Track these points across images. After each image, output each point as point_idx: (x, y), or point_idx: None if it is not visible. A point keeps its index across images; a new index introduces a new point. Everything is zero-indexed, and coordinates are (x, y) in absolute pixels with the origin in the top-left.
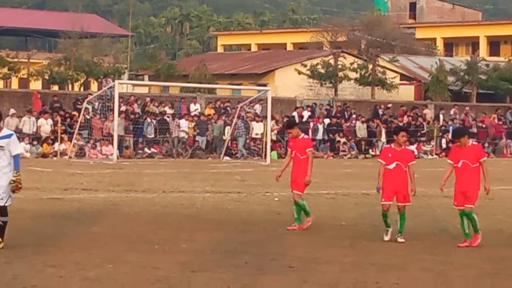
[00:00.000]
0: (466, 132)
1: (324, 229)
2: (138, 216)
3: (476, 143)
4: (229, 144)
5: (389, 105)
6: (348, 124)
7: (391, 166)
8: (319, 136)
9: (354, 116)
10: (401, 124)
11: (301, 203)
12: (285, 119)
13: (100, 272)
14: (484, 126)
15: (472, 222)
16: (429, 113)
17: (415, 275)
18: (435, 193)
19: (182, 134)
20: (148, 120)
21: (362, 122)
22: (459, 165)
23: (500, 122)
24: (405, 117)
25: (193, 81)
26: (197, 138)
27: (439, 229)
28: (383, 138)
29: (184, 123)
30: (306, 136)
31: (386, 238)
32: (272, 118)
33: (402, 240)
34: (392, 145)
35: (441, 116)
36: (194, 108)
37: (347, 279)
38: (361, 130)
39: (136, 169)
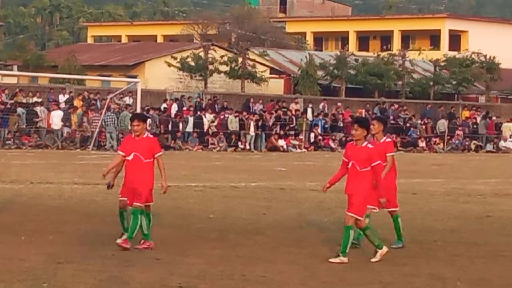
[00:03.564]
0: (146, 119)
1: (192, 222)
2: (4, 207)
3: (152, 135)
4: (98, 136)
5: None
6: (221, 117)
7: (130, 157)
8: (189, 128)
9: (227, 109)
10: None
11: None
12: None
13: None
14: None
15: (132, 224)
16: (294, 107)
17: (282, 268)
18: (303, 186)
19: (56, 127)
20: (17, 110)
21: (235, 116)
22: (131, 158)
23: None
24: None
25: (63, 72)
26: (65, 129)
27: (306, 222)
28: (252, 131)
29: (56, 114)
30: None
31: (119, 240)
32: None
33: (143, 246)
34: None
35: (309, 110)
36: (63, 99)
37: (214, 272)
38: (233, 123)
39: (3, 159)
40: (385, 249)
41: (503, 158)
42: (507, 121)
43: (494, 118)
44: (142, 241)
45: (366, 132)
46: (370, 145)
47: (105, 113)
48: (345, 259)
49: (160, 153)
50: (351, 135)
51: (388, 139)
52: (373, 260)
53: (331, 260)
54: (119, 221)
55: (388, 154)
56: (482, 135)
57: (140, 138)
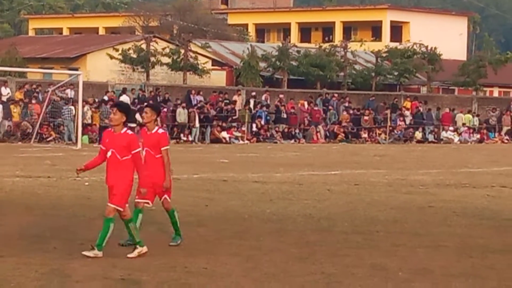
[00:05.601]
0: None
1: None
2: None
3: None
4: (40, 128)
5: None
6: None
7: None
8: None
9: (176, 102)
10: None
11: None
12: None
13: None
14: (294, 111)
15: None
16: (239, 99)
17: (224, 259)
18: (245, 178)
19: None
20: None
21: (183, 107)
22: None
23: (314, 108)
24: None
25: (4, 65)
26: (6, 123)
27: (249, 214)
28: (197, 123)
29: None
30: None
31: None
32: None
33: None
34: None
35: (251, 102)
36: (6, 92)
37: (157, 264)
38: (181, 116)
39: None
40: (145, 248)
41: (444, 148)
42: (461, 112)
43: (447, 109)
44: None
45: (125, 117)
46: (129, 131)
47: (47, 106)
48: (99, 253)
49: None
50: (109, 119)
51: (161, 130)
52: (129, 255)
53: (85, 253)
54: None
55: (163, 148)
56: (437, 125)
57: None
